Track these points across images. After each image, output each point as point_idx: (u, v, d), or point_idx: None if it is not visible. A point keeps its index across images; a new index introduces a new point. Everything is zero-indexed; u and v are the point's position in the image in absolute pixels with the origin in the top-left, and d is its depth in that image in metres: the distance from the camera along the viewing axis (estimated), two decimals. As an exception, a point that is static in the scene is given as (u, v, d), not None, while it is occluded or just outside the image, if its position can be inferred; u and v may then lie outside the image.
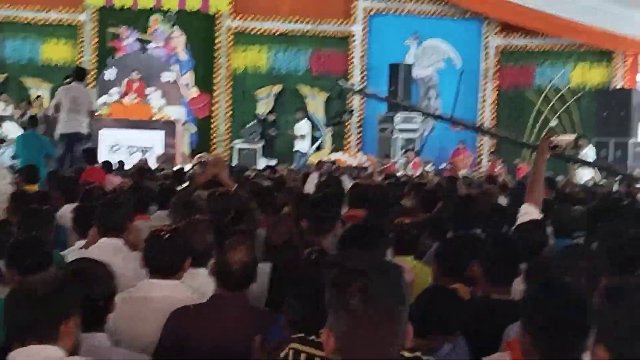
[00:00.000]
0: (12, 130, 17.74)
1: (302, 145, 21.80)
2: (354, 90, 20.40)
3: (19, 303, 2.98)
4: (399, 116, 21.50)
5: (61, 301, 3.01)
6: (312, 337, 3.07)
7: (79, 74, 14.65)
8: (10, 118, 19.41)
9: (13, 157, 14.78)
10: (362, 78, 23.22)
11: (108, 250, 4.98)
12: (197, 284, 4.51)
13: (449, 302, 3.77)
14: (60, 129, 13.93)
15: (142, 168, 13.42)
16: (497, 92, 23.33)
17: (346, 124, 23.11)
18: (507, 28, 23.05)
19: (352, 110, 22.65)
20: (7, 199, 7.35)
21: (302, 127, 21.91)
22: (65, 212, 6.97)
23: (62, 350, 2.97)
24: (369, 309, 2.29)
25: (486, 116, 23.11)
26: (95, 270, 3.63)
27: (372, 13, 23.45)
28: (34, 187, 9.29)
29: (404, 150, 20.90)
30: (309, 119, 22.78)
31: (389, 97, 21.02)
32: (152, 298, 4.22)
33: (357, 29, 23.40)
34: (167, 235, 4.36)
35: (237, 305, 3.94)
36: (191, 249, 4.50)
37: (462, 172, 17.32)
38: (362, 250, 4.32)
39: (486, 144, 22.94)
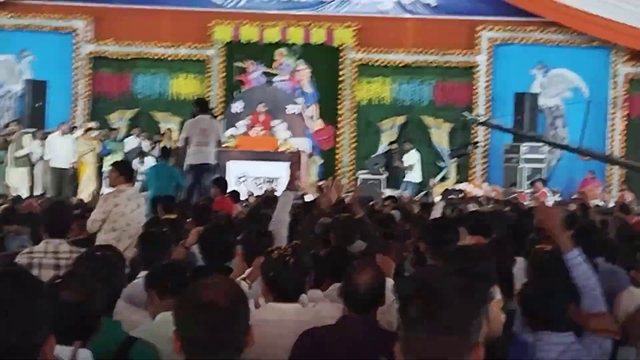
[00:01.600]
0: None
1: (412, 176, 21.76)
2: (479, 121, 20.21)
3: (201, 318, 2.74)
4: (525, 146, 21.23)
5: (243, 310, 2.85)
6: None
7: (201, 105, 14.97)
8: (149, 154, 20.02)
9: (141, 190, 15.18)
10: (487, 108, 23.03)
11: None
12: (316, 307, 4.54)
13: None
14: (189, 160, 14.25)
15: (268, 197, 13.60)
16: (626, 121, 22.80)
17: (471, 154, 22.93)
18: (636, 56, 22.55)
19: (477, 142, 22.43)
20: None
21: (411, 157, 21.85)
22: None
23: None
24: (426, 319, 2.28)
25: (615, 145, 22.57)
26: (232, 280, 3.71)
27: (497, 42, 23.28)
28: (172, 216, 9.53)
29: (530, 181, 20.60)
30: (432, 148, 22.78)
31: (514, 127, 20.78)
32: (276, 322, 4.26)
33: (481, 58, 23.24)
34: (290, 258, 4.41)
35: (365, 326, 3.96)
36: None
37: (591, 202, 16.93)
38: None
39: (616, 174, 22.39)
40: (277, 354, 4.11)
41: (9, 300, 2.26)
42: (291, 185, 7.22)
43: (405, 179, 21.79)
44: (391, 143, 22.78)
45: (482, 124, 20.30)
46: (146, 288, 4.49)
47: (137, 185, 17.35)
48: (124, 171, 9.30)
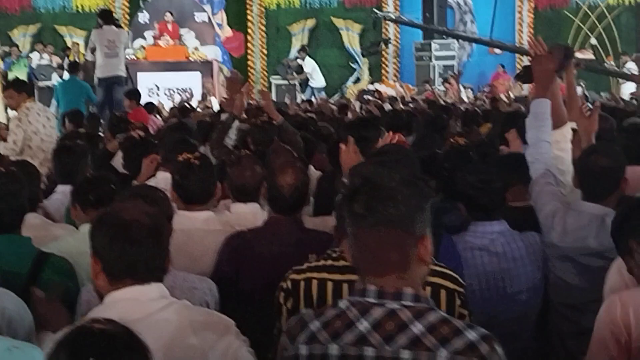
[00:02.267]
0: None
1: (315, 82, 21.69)
2: (390, 18, 20.15)
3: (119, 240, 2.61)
4: (436, 43, 21.31)
5: (163, 236, 2.72)
6: (325, 262, 3.14)
7: (106, 16, 14.58)
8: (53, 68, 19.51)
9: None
10: (396, 7, 22.95)
11: (163, 182, 4.99)
12: (237, 218, 4.49)
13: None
14: (98, 73, 13.93)
15: (184, 107, 13.47)
16: (533, 14, 22.99)
17: (383, 54, 22.95)
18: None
19: (389, 39, 22.42)
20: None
21: (307, 65, 21.74)
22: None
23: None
24: (371, 212, 2.29)
25: (524, 38, 22.79)
26: (154, 194, 3.64)
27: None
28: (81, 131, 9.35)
29: (442, 79, 20.72)
30: (344, 51, 22.75)
31: (425, 23, 20.81)
32: (188, 231, 4.17)
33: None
34: (197, 162, 4.34)
35: (292, 227, 3.94)
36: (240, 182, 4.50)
37: (502, 95, 17.13)
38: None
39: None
40: (187, 262, 4.02)
41: None
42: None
43: (309, 85, 21.69)
44: (302, 47, 22.63)
45: (393, 20, 20.31)
46: (71, 202, 4.40)
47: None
48: (23, 88, 9.05)
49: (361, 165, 3.68)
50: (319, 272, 3.11)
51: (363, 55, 22.73)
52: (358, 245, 2.34)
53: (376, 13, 19.61)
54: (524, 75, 4.62)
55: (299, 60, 21.74)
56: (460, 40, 22.24)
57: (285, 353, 2.43)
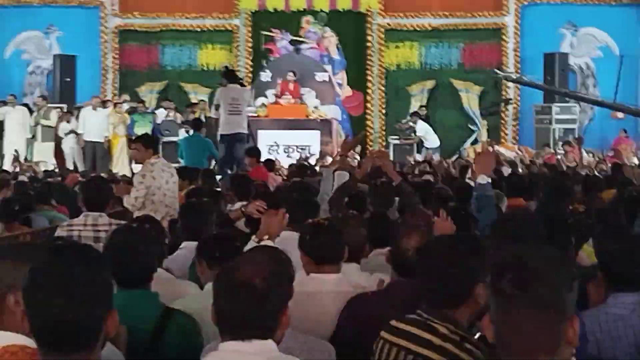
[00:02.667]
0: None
1: (429, 142, 21.64)
2: (511, 78, 20.03)
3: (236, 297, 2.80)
4: (557, 106, 21.09)
5: (280, 293, 2.91)
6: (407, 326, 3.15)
7: (230, 74, 14.92)
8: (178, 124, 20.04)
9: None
10: (516, 70, 22.81)
11: (289, 241, 5.03)
12: (353, 279, 4.53)
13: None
14: (221, 130, 14.24)
15: (303, 165, 13.61)
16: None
17: (503, 116, 22.81)
18: (667, 12, 22.29)
19: (510, 99, 22.24)
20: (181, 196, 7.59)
21: (419, 129, 21.70)
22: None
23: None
24: (521, 292, 2.23)
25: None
26: (277, 255, 3.68)
27: (524, 3, 23.06)
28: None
29: (562, 142, 20.43)
30: (463, 112, 22.74)
31: (546, 84, 20.62)
32: (318, 293, 4.24)
33: (509, 19, 23.07)
34: (327, 225, 4.41)
35: (415, 291, 3.92)
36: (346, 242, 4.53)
37: (626, 161, 16.79)
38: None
39: (649, 131, 22.21)
40: (319, 326, 4.09)
41: (72, 275, 2.24)
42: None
43: (424, 146, 21.65)
44: (421, 107, 22.69)
45: (514, 81, 20.17)
46: (197, 258, 4.51)
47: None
48: (151, 144, 9.27)
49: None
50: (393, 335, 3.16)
51: (482, 115, 22.63)
52: (506, 325, 2.28)
53: (497, 73, 19.54)
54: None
55: (410, 124, 21.76)
56: (582, 104, 21.97)
57: None
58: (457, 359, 2.88)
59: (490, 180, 6.15)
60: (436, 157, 19.38)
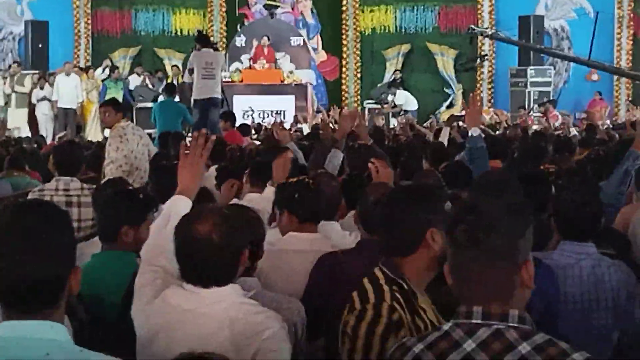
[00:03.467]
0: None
1: (410, 103, 21.67)
2: (486, 34, 19.92)
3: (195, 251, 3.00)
4: (532, 69, 21.11)
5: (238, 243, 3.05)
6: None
7: (203, 39, 14.82)
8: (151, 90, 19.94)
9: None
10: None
11: (257, 201, 5.07)
12: (334, 238, 4.55)
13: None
14: (195, 95, 14.15)
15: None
16: (632, 40, 22.57)
17: (478, 79, 22.83)
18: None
19: (486, 55, 22.16)
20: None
21: (399, 97, 21.70)
22: (212, 173, 7.11)
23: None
24: (474, 243, 2.29)
25: (622, 65, 22.36)
26: (245, 214, 3.69)
27: (500, -36, 23.01)
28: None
29: (538, 104, 20.46)
30: (438, 75, 22.73)
31: (521, 40, 20.57)
32: (298, 251, 4.26)
33: (486, -19, 23.00)
34: (311, 184, 4.42)
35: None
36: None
37: (599, 123, 16.86)
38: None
39: (623, 93, 22.27)
40: (298, 283, 4.11)
41: (34, 231, 2.22)
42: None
43: (403, 109, 21.65)
44: (395, 71, 22.68)
45: (490, 36, 20.06)
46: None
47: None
48: (120, 108, 9.25)
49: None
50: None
51: (458, 71, 22.58)
52: (461, 273, 2.35)
53: (473, 29, 19.44)
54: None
55: (390, 97, 21.73)
56: (556, 67, 22.00)
57: None
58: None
59: (481, 132, 6.33)
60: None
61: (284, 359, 2.96)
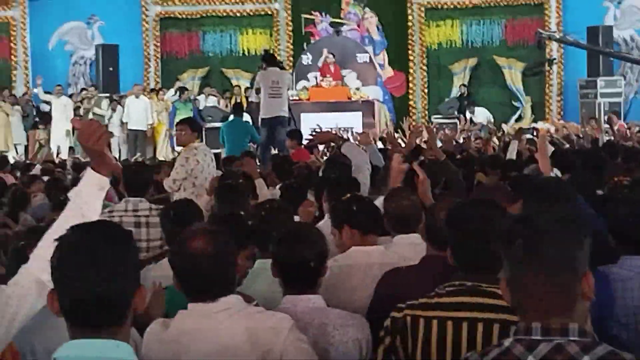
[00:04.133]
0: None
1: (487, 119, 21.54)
2: (555, 37, 19.63)
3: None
4: (602, 80, 20.82)
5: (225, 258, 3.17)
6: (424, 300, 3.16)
7: (269, 58, 14.92)
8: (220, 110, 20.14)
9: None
10: (560, 45, 22.59)
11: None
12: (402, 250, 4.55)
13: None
14: (262, 114, 14.25)
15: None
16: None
17: (547, 92, 22.61)
18: None
19: (554, 59, 21.86)
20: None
21: (478, 115, 21.57)
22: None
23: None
24: (533, 257, 2.26)
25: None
26: (308, 232, 3.71)
27: (567, -24, 22.79)
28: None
29: (607, 116, 20.16)
30: (506, 89, 22.57)
31: (590, 60, 20.31)
32: (362, 265, 4.28)
33: (551, -5, 22.80)
34: (366, 198, 4.45)
35: (448, 264, 3.90)
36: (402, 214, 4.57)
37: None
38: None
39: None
40: (363, 299, 4.13)
41: (100, 251, 2.27)
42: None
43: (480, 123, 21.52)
44: (461, 86, 22.57)
45: (558, 40, 19.77)
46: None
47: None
48: (195, 127, 9.38)
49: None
50: (415, 309, 3.16)
51: (526, 76, 22.32)
52: (520, 289, 2.32)
53: (541, 33, 19.17)
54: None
55: (468, 114, 21.57)
56: (626, 78, 21.70)
57: None
58: None
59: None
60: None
61: (309, 350, 3.11)
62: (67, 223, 2.64)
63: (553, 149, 12.29)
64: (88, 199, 2.94)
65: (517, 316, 2.37)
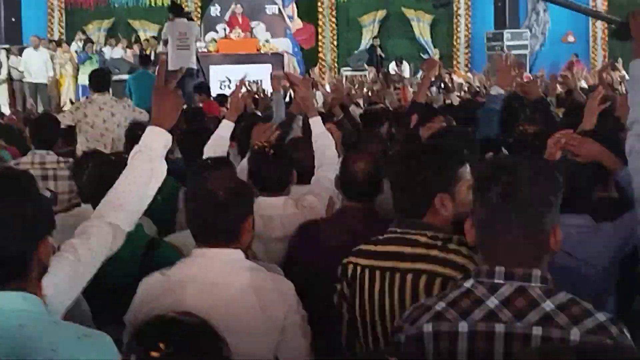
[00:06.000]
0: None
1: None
2: None
3: (203, 206, 3.06)
4: (508, 32, 21.08)
5: (242, 204, 3.12)
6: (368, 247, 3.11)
7: (176, 9, 14.68)
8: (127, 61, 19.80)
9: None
10: (467, -3, 22.86)
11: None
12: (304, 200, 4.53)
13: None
14: (170, 66, 14.01)
15: (255, 98, 13.48)
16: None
17: (454, 44, 22.79)
18: None
19: None
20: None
21: (405, 70, 21.68)
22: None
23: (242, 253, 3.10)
24: (509, 205, 2.27)
25: (598, 26, 22.36)
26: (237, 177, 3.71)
27: None
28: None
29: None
30: (415, 41, 22.66)
31: (497, 12, 20.45)
32: (263, 216, 4.24)
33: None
34: (271, 151, 4.38)
35: (365, 215, 3.89)
36: (296, 164, 4.52)
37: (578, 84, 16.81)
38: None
39: (600, 55, 22.27)
40: (268, 247, 4.14)
41: None
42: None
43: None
44: (374, 38, 22.60)
45: None
46: None
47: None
48: (92, 80, 9.16)
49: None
50: (358, 256, 3.11)
51: (435, 7, 22.28)
52: (491, 233, 2.33)
53: None
54: (621, 33, 4.04)
55: (395, 68, 21.60)
56: (532, 30, 21.97)
57: (398, 337, 2.45)
58: (445, 263, 2.84)
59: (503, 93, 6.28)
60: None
61: (305, 320, 3.11)
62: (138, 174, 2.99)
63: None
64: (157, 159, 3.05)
65: (480, 257, 2.39)
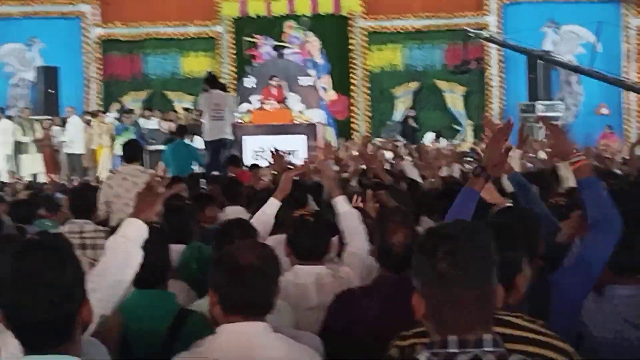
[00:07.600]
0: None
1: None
2: (482, 36, 19.56)
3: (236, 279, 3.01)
4: (541, 104, 21.12)
5: (274, 276, 3.12)
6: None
7: (211, 80, 14.88)
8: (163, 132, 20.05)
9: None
10: (500, 68, 22.94)
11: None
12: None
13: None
14: (206, 137, 14.20)
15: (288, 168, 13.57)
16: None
17: (487, 115, 22.85)
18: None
19: (481, 58, 21.93)
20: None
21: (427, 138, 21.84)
22: (230, 213, 7.12)
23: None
24: (458, 272, 2.27)
25: (631, 99, 22.38)
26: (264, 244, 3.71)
27: (506, 2, 23.12)
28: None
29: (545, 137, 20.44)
30: (447, 112, 22.77)
31: (530, 84, 20.50)
32: (301, 285, 4.27)
33: (491, 19, 23.13)
34: (313, 220, 4.43)
35: (401, 286, 3.90)
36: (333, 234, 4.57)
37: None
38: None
39: (634, 127, 22.26)
40: (301, 315, 4.17)
41: (38, 273, 2.29)
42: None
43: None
44: (410, 109, 22.77)
45: (486, 39, 19.75)
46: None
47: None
48: (123, 150, 9.27)
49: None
50: (423, 337, 3.10)
51: (454, 74, 22.34)
52: (444, 302, 2.31)
53: (468, 31, 19.07)
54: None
55: (433, 142, 21.72)
56: (565, 101, 22.01)
57: None
58: (543, 345, 2.81)
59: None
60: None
61: None
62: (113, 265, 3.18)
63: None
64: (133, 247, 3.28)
65: (431, 327, 2.36)
